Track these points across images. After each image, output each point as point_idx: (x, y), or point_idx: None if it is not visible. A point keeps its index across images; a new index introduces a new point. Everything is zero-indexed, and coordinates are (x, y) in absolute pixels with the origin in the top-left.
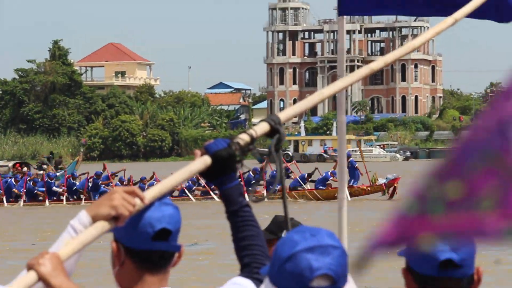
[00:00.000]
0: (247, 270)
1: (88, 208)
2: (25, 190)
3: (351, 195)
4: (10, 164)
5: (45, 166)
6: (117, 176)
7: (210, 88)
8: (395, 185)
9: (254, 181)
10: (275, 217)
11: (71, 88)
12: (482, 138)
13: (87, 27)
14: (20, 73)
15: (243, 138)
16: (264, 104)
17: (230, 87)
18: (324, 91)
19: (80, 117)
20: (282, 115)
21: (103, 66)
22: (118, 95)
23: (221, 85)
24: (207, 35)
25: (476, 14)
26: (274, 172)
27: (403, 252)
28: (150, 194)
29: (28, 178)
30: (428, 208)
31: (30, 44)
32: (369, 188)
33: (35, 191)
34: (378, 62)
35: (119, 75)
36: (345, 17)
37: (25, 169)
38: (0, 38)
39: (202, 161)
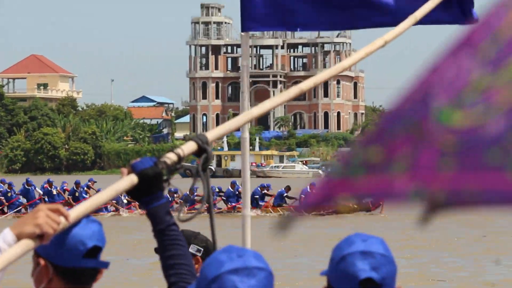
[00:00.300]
0: None
1: (12, 226)
2: None
3: (337, 212)
4: None
5: None
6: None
7: (132, 102)
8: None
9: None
10: (182, 232)
11: None
12: (407, 108)
13: (9, 39)
14: None
15: (170, 157)
16: (186, 119)
17: (153, 101)
18: (253, 111)
19: (1, 129)
20: (210, 135)
21: (25, 78)
22: (40, 108)
23: (143, 98)
24: (130, 48)
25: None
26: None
27: (325, 271)
28: (75, 212)
29: None
30: (350, 172)
31: None
32: (355, 206)
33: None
34: (308, 83)
35: (41, 87)
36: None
37: None
38: None
39: (129, 180)
